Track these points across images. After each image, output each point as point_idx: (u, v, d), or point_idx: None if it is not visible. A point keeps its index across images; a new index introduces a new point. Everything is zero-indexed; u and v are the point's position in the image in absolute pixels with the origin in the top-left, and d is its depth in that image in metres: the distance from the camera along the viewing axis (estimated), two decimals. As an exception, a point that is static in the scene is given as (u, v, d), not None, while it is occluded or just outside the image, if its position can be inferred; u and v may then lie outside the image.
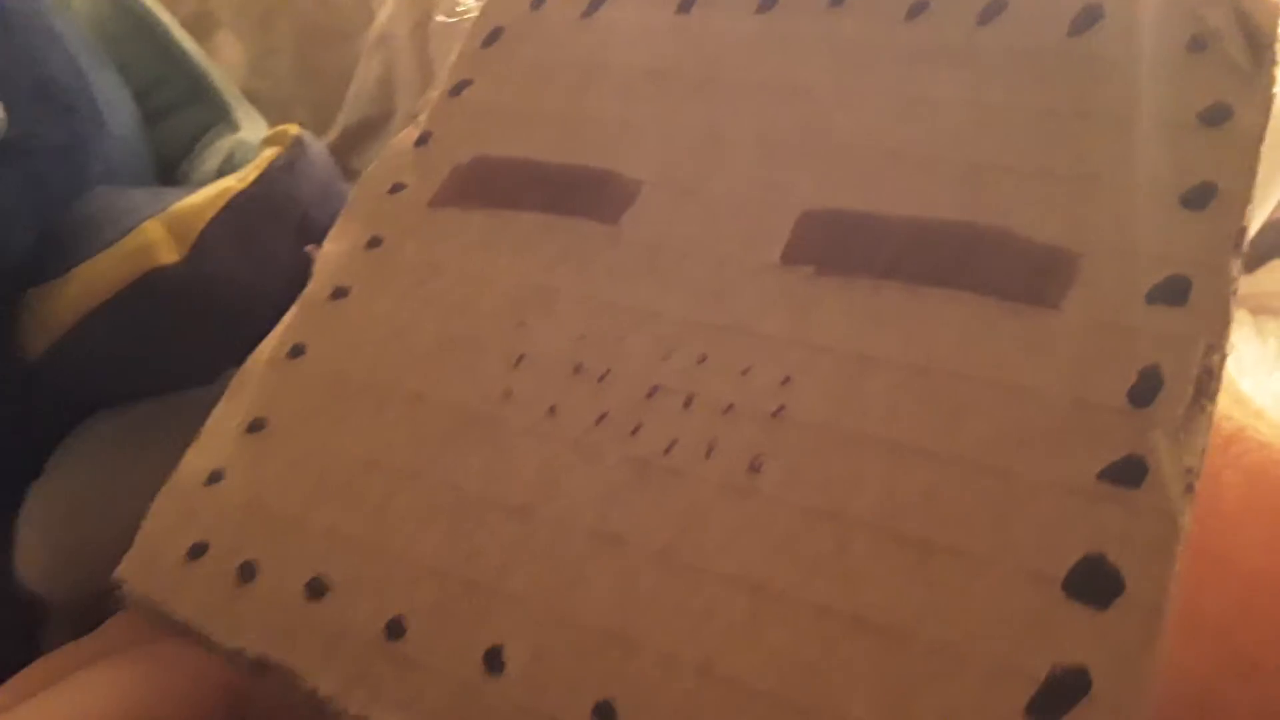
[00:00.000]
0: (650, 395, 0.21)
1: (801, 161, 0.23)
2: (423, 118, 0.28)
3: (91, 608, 0.26)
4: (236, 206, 0.30)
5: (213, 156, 0.36)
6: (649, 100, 0.26)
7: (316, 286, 0.26)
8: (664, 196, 0.24)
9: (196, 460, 0.24)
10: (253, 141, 0.35)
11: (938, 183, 0.22)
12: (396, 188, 0.27)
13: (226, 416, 0.25)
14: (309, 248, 0.27)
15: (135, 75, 0.37)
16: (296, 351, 0.25)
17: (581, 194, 0.25)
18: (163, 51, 0.38)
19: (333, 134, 0.42)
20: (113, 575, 0.23)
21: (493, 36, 0.28)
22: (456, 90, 0.28)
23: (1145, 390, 0.18)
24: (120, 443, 0.31)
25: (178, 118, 0.38)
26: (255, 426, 0.24)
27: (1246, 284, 0.35)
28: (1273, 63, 0.21)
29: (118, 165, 0.33)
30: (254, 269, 0.31)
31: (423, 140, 0.27)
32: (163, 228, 0.29)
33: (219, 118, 0.37)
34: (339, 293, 0.26)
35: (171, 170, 0.37)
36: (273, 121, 0.35)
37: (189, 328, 0.30)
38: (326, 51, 0.42)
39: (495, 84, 0.28)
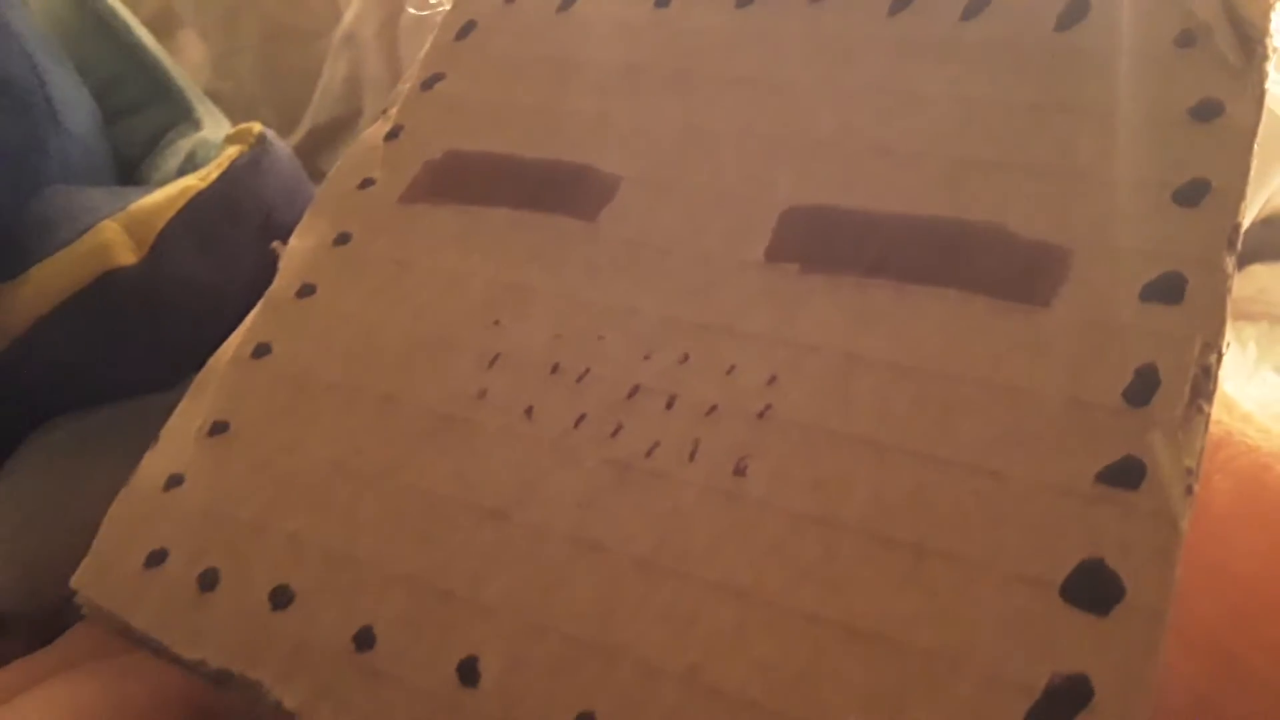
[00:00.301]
0: (631, 396, 0.21)
1: (784, 157, 0.23)
2: (393, 111, 0.27)
3: (49, 620, 0.26)
4: (197, 206, 0.30)
5: (174, 156, 0.35)
6: (627, 95, 0.25)
7: (282, 284, 0.26)
8: (643, 192, 0.24)
9: (155, 464, 0.24)
10: (215, 140, 0.34)
11: (924, 178, 0.22)
12: (366, 183, 0.26)
13: (187, 418, 0.24)
14: (275, 244, 0.27)
15: (95, 73, 0.36)
16: (261, 351, 0.25)
17: (558, 189, 0.24)
18: (123, 49, 0.37)
19: (299, 135, 0.41)
20: (69, 584, 0.23)
21: (466, 29, 0.28)
22: (428, 84, 0.27)
23: (1142, 390, 0.18)
24: (77, 450, 0.30)
25: (138, 117, 0.37)
26: (217, 429, 0.24)
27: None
28: (1264, 58, 0.21)
29: (75, 165, 0.33)
30: (215, 270, 0.30)
31: (393, 134, 0.27)
32: (120, 228, 0.29)
33: (180, 116, 0.37)
34: (306, 290, 0.25)
35: (132, 170, 0.37)
36: (237, 122, 0.34)
37: (147, 331, 0.30)
38: (292, 51, 0.42)
39: (468, 78, 0.27)
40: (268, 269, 0.26)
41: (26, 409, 0.31)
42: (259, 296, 0.26)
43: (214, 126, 0.36)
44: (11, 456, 0.31)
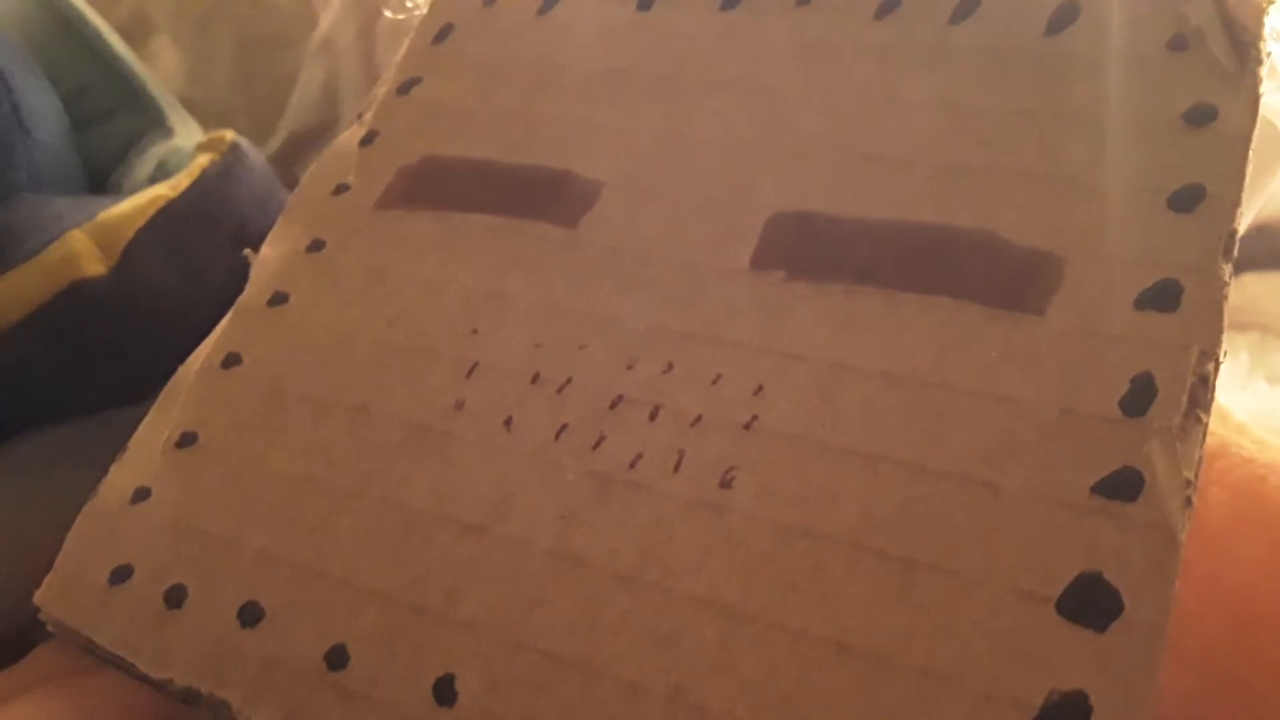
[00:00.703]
0: (613, 406, 0.21)
1: (769, 163, 0.23)
2: (368, 116, 0.27)
3: (16, 638, 0.25)
4: (167, 215, 0.30)
5: (145, 164, 0.35)
6: (608, 99, 0.25)
7: (253, 292, 0.25)
8: (625, 198, 0.23)
9: (121, 477, 0.23)
10: (187, 148, 0.34)
11: (912, 184, 0.21)
12: (340, 188, 0.26)
13: (154, 430, 0.24)
14: (246, 252, 0.26)
15: (64, 80, 0.36)
16: (231, 361, 0.24)
17: (537, 196, 0.24)
18: (93, 55, 0.37)
19: (274, 143, 0.40)
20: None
21: (443, 33, 0.28)
22: (404, 88, 0.27)
23: (1138, 399, 0.18)
24: (45, 465, 0.30)
25: (109, 124, 0.37)
26: (185, 441, 0.23)
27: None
28: (1257, 62, 0.20)
29: (43, 173, 0.32)
30: (185, 281, 0.30)
31: (368, 139, 0.27)
32: (88, 238, 0.28)
33: (152, 124, 0.36)
34: (278, 298, 0.25)
35: (103, 179, 0.36)
36: (211, 130, 0.34)
37: (116, 343, 0.29)
38: (267, 58, 0.41)
39: (445, 82, 0.27)
40: (239, 278, 0.26)
41: (-10, 422, 0.30)
42: (230, 307, 0.25)
43: (186, 134, 0.36)
44: (-25, 472, 0.30)
